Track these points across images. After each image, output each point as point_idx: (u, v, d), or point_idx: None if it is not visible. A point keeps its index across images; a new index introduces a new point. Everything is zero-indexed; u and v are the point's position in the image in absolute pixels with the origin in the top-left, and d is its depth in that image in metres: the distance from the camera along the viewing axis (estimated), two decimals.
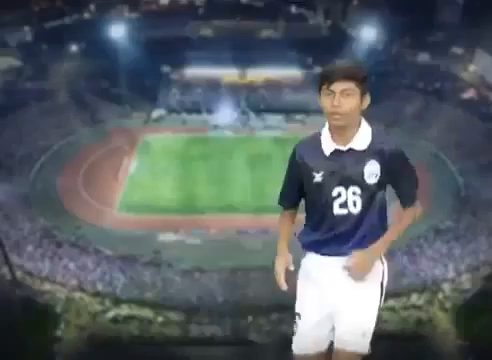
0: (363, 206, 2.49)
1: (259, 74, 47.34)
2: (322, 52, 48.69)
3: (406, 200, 2.59)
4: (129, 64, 41.69)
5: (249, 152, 37.88)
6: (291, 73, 47.72)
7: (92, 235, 28.10)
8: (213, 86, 46.34)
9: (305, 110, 42.83)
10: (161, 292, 24.57)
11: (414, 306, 23.58)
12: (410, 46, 51.23)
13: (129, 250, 26.85)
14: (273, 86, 46.64)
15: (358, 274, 2.52)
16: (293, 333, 2.71)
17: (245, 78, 47.46)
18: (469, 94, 43.52)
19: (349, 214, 2.51)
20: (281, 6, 60.53)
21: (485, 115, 39.58)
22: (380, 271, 2.61)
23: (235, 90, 45.57)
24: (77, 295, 23.97)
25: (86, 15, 58.25)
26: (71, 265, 25.62)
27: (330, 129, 2.51)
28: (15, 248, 26.03)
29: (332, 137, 2.50)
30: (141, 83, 44.23)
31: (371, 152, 2.44)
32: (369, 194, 2.48)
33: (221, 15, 54.58)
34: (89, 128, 40.04)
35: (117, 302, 23.77)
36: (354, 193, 2.48)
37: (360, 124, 2.49)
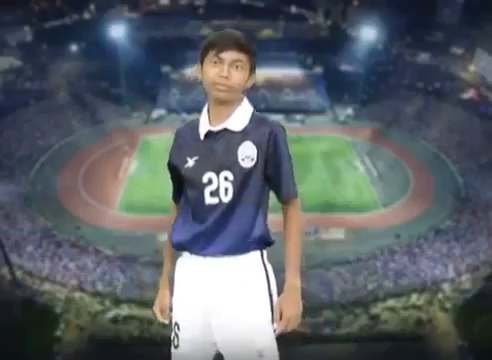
0: (235, 193, 2.16)
1: (259, 74, 47.26)
2: (322, 52, 49.02)
3: (289, 189, 2.21)
4: (129, 64, 41.75)
5: None
6: (291, 73, 47.74)
7: (92, 235, 28.08)
8: None
9: (305, 110, 42.80)
10: None
11: (414, 306, 23.53)
12: (410, 46, 51.31)
13: (129, 250, 26.84)
14: (273, 86, 46.65)
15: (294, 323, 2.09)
16: (175, 346, 2.30)
17: None
18: (469, 94, 43.53)
19: (220, 203, 2.17)
20: (281, 6, 60.66)
21: (485, 115, 39.60)
22: (263, 278, 2.21)
23: None
24: (77, 295, 23.95)
25: (86, 15, 58.37)
26: (71, 265, 25.62)
27: (209, 109, 2.23)
28: (15, 248, 26.04)
29: (209, 117, 2.21)
30: (141, 83, 44.31)
31: (248, 133, 2.16)
32: (242, 179, 2.15)
33: (221, 15, 54.59)
34: (89, 128, 40.08)
35: (117, 302, 23.74)
36: (226, 179, 2.15)
37: (240, 103, 2.25)
